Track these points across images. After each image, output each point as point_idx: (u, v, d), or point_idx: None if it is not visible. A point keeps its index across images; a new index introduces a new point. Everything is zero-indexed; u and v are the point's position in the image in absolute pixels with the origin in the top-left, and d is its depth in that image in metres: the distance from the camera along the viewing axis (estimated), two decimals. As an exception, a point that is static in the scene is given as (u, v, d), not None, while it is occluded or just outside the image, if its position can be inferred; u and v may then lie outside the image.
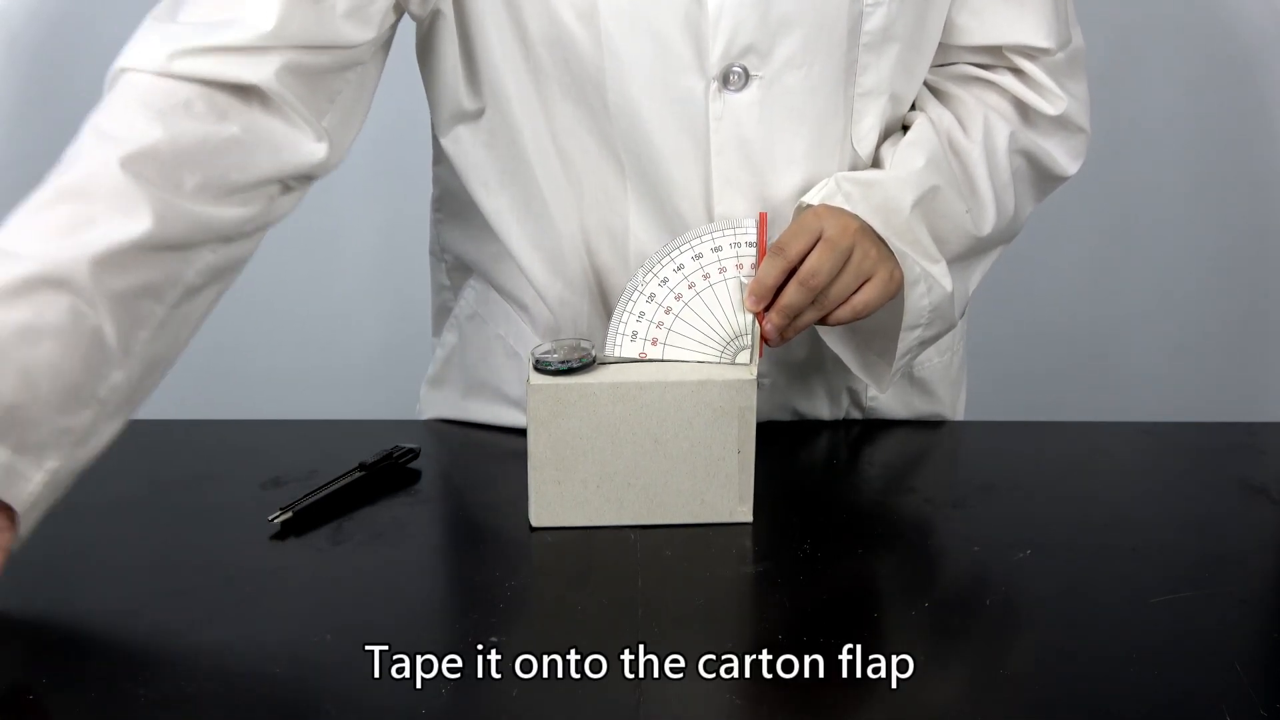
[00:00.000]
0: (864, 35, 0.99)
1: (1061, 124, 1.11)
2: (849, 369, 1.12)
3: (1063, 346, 2.02)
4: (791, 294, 0.94)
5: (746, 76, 0.98)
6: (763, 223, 0.96)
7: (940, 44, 1.07)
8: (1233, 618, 0.88)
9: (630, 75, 0.98)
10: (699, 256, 0.96)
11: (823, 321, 0.97)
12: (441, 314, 1.23)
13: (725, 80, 0.98)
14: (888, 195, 1.01)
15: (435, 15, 1.01)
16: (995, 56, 1.09)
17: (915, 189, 1.02)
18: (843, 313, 0.97)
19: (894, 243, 0.99)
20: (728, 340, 0.97)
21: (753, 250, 0.96)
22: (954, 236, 1.06)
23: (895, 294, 0.98)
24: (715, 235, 0.96)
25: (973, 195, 1.07)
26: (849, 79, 1.01)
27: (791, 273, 0.95)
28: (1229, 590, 0.91)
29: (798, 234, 0.95)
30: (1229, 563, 0.95)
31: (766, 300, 0.95)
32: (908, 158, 1.04)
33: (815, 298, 0.95)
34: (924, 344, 1.06)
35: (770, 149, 1.01)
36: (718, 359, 0.97)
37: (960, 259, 1.08)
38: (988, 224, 1.07)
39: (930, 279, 1.01)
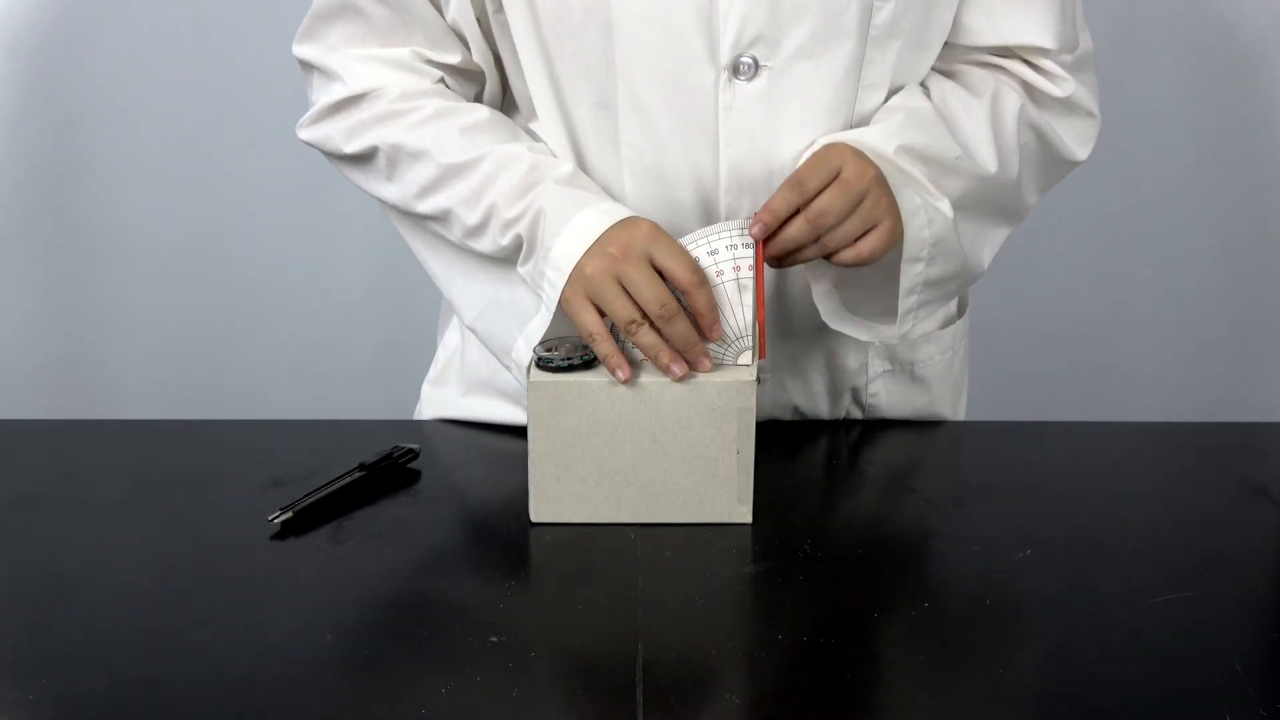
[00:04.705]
0: (871, 29, 1.00)
1: (1070, 107, 1.10)
2: (849, 366, 1.12)
3: (1063, 346, 2.01)
4: (796, 229, 0.95)
5: (756, 67, 0.98)
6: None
7: (948, 44, 1.07)
8: (1233, 618, 0.88)
9: (639, 65, 0.98)
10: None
11: (826, 259, 0.97)
12: (447, 314, 1.23)
13: (735, 70, 0.98)
14: (868, 144, 1.00)
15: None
16: (1003, 57, 1.09)
17: (897, 138, 1.01)
18: (846, 255, 0.96)
19: (894, 179, 0.98)
20: (728, 341, 0.97)
21: (750, 251, 0.96)
22: (948, 180, 1.03)
23: (899, 241, 0.98)
24: (711, 239, 0.96)
25: (972, 143, 1.05)
26: (856, 72, 1.01)
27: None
28: (1229, 590, 0.91)
29: (816, 169, 0.95)
30: (1229, 563, 0.95)
31: (772, 229, 0.95)
32: (885, 115, 1.03)
33: (819, 236, 0.95)
34: (929, 285, 1.03)
35: (778, 140, 1.01)
36: (718, 360, 0.97)
37: (964, 207, 1.05)
38: (990, 165, 1.04)
39: (931, 209, 1.00)
